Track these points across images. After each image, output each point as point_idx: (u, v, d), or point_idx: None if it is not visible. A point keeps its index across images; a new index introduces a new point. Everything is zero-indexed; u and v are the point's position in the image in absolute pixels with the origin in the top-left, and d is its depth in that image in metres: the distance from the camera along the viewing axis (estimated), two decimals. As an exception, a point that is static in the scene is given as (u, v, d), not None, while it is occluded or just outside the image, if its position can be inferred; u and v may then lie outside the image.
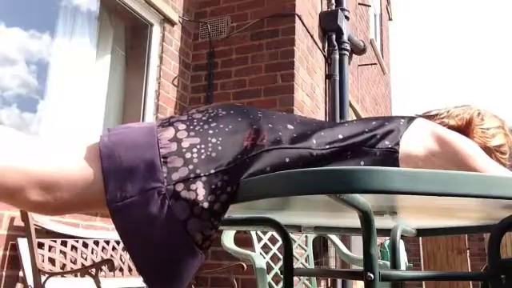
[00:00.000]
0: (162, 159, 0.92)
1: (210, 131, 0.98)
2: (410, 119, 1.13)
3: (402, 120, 1.12)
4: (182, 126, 0.98)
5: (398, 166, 1.04)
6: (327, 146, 1.01)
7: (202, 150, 0.94)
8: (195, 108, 1.07)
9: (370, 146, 1.04)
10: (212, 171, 0.93)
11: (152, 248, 0.89)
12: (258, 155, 0.97)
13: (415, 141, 1.07)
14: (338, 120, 4.85)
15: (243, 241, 2.23)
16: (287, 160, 0.98)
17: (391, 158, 1.04)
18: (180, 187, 0.91)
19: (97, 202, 0.95)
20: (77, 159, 0.95)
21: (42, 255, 2.76)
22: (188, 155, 0.93)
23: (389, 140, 1.05)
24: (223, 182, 0.93)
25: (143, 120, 4.11)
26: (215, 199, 0.92)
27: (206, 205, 0.91)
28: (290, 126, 1.04)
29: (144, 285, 0.96)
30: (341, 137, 1.04)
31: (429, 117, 1.24)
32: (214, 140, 0.96)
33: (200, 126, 0.99)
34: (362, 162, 1.02)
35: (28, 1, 3.54)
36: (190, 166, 0.92)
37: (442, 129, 1.12)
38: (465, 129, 1.20)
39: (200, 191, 0.91)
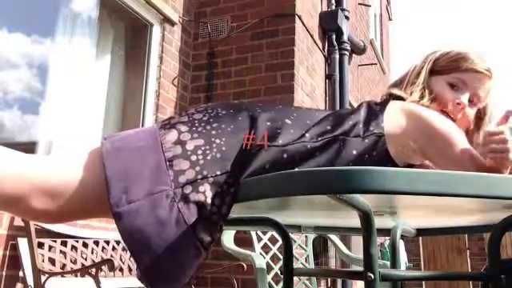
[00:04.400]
0: (167, 163, 0.91)
1: (213, 132, 0.97)
2: (383, 106, 1.14)
3: (377, 107, 1.14)
4: (184, 128, 0.97)
5: (386, 149, 1.06)
6: (319, 138, 1.02)
7: (207, 152, 0.94)
8: (194, 108, 1.07)
9: (357, 134, 1.05)
10: (218, 172, 0.93)
11: (160, 251, 0.88)
12: (257, 153, 0.97)
13: (391, 122, 1.09)
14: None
15: (243, 241, 2.22)
16: (285, 156, 0.98)
17: (379, 141, 1.05)
18: (188, 189, 0.90)
19: (100, 209, 0.94)
20: (79, 166, 0.95)
21: (42, 255, 2.76)
22: (193, 157, 0.93)
23: (373, 126, 1.07)
24: (228, 184, 0.93)
25: (143, 120, 4.11)
26: (221, 201, 0.92)
27: (214, 208, 0.91)
28: (288, 122, 1.04)
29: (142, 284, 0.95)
30: (329, 128, 1.05)
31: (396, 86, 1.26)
32: (217, 141, 0.96)
33: (202, 126, 0.98)
34: (355, 151, 1.02)
35: (28, 2, 3.54)
36: (197, 168, 0.92)
37: (408, 104, 1.15)
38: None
39: (208, 193, 0.91)
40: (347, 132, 1.04)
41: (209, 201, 0.91)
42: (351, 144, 1.03)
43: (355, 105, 6.40)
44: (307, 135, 1.02)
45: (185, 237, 0.89)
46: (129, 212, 0.88)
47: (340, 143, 1.02)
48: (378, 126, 1.07)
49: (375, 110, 1.12)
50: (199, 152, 0.94)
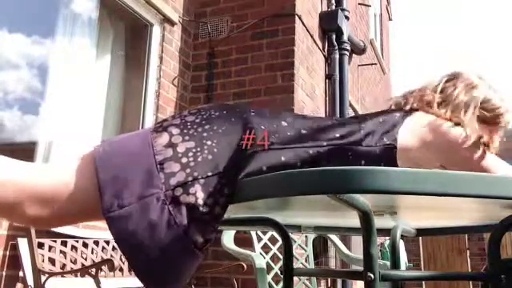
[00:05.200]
0: (158, 166, 0.91)
1: (205, 134, 0.97)
2: (405, 114, 1.13)
3: (398, 114, 1.13)
4: (175, 131, 0.97)
5: (396, 161, 1.05)
6: (325, 144, 1.01)
7: (198, 153, 0.94)
8: (187, 110, 1.07)
9: (369, 144, 1.04)
10: (209, 173, 0.93)
11: (153, 254, 0.89)
12: (254, 155, 0.97)
13: (410, 134, 1.09)
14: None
15: (243, 241, 2.22)
16: (283, 159, 0.98)
17: (390, 153, 1.05)
18: (179, 192, 0.90)
19: (94, 213, 0.95)
20: (71, 171, 0.95)
21: (42, 255, 2.76)
22: (184, 160, 0.93)
23: (386, 136, 1.07)
24: (221, 185, 0.93)
25: (143, 120, 4.11)
26: (214, 202, 0.92)
27: (206, 208, 0.91)
28: (284, 124, 1.03)
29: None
30: (337, 135, 1.04)
31: (422, 101, 1.22)
32: (209, 142, 0.96)
33: (194, 129, 0.98)
34: (363, 161, 1.02)
35: (28, 3, 3.54)
36: (187, 170, 0.92)
37: (435, 120, 1.14)
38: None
39: (199, 194, 0.91)
40: (359, 141, 1.04)
41: (200, 202, 0.91)
42: (361, 155, 1.03)
43: (355, 105, 6.40)
44: (311, 140, 1.01)
45: (177, 239, 0.89)
46: (120, 217, 0.88)
47: (350, 154, 1.02)
48: (391, 137, 1.06)
49: (394, 120, 1.11)
50: (190, 154, 0.94)
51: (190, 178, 0.91)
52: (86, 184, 0.93)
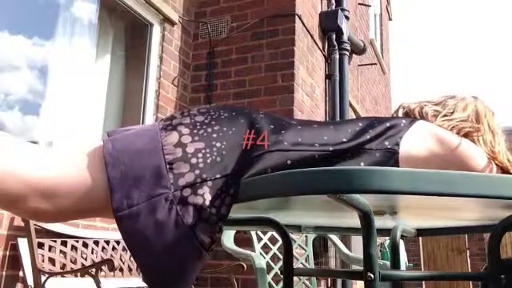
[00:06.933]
0: (167, 166, 0.91)
1: (214, 135, 0.97)
2: (412, 120, 1.13)
3: (404, 121, 1.12)
4: (185, 131, 0.97)
5: (397, 167, 1.04)
6: (330, 148, 1.01)
7: (208, 155, 0.94)
8: (196, 109, 1.06)
9: (370, 147, 1.04)
10: (218, 175, 0.93)
11: (160, 254, 0.89)
12: (259, 156, 0.97)
13: (416, 142, 1.07)
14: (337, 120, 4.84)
15: (243, 241, 2.23)
16: (289, 162, 0.98)
17: (391, 158, 1.04)
18: (187, 192, 0.90)
19: (99, 210, 0.95)
20: (79, 166, 0.94)
21: (42, 255, 2.76)
22: (193, 160, 0.93)
23: (388, 141, 1.05)
24: (228, 186, 0.93)
25: (143, 120, 4.11)
26: (221, 203, 0.92)
27: (213, 209, 0.91)
28: (292, 128, 1.04)
29: (144, 285, 0.96)
30: (344, 140, 1.04)
31: (431, 115, 1.22)
32: (218, 144, 0.96)
33: (203, 129, 0.98)
34: (362, 163, 1.02)
35: (28, 4, 3.54)
36: (197, 171, 0.92)
37: (443, 131, 1.13)
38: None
39: (207, 196, 0.91)
40: (361, 144, 1.04)
41: (207, 203, 0.91)
42: (360, 156, 1.02)
43: (355, 105, 6.40)
44: (317, 145, 1.01)
45: (184, 239, 0.89)
46: (129, 216, 0.88)
47: (348, 155, 1.02)
48: (394, 142, 1.06)
49: (400, 126, 1.10)
50: (199, 155, 0.94)
51: (198, 180, 0.92)
52: (94, 182, 0.92)
